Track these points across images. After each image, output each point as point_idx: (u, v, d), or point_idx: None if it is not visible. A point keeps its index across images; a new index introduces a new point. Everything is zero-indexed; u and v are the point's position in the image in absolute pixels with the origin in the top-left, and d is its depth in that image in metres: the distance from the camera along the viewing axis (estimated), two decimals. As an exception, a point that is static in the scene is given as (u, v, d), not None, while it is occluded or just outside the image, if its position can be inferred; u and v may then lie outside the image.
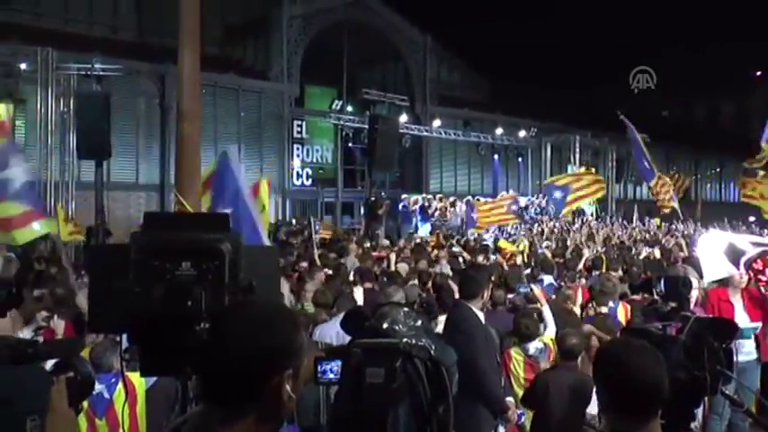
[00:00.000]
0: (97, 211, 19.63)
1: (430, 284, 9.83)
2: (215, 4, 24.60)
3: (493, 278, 7.52)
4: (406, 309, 2.04)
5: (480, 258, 13.06)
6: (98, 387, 4.43)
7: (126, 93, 23.10)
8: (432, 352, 1.82)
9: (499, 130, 33.96)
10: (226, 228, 2.30)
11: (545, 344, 6.30)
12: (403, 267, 11.28)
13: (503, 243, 15.41)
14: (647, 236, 20.03)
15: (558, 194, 19.33)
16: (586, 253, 12.97)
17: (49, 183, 18.89)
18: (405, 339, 1.82)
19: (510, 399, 5.74)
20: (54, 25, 24.32)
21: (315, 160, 30.08)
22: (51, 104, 18.87)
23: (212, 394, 1.73)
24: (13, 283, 2.41)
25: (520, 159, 35.95)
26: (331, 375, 1.85)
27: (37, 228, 7.95)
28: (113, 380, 4.68)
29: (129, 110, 23.62)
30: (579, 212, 27.00)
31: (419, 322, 1.98)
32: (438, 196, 29.77)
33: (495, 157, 34.85)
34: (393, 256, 12.85)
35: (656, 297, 4.00)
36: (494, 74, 35.18)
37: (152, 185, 24.74)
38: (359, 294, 8.45)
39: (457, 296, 6.33)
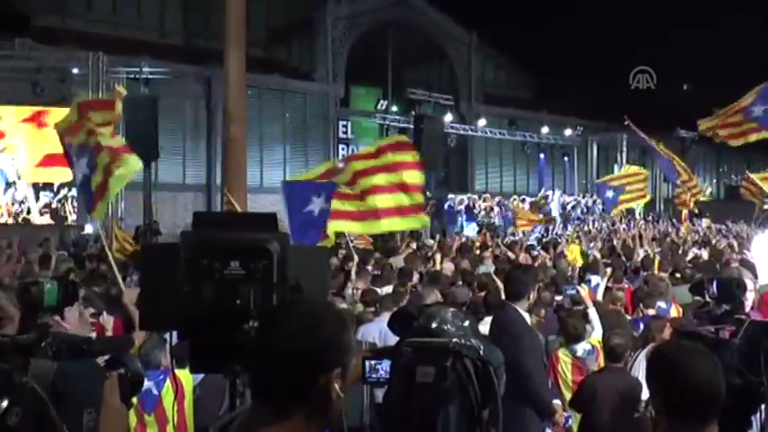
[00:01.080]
0: (145, 211, 19.99)
1: (475, 285, 9.77)
2: (260, 7, 24.89)
3: (540, 279, 7.44)
4: (453, 309, 2.04)
5: (524, 258, 12.93)
6: (147, 383, 4.51)
7: (173, 95, 23.47)
8: (481, 352, 1.80)
9: (545, 129, 33.63)
10: (274, 227, 2.31)
11: (593, 346, 6.21)
12: (449, 267, 11.24)
13: (572, 247, 15.16)
14: (697, 236, 19.64)
15: (610, 194, 19.03)
16: (642, 253, 12.70)
17: (100, 184, 19.26)
18: (454, 339, 1.81)
19: (557, 401, 5.67)
20: (104, 30, 24.90)
21: (361, 161, 30.12)
22: (102, 107, 19.23)
23: (262, 392, 1.75)
24: (69, 281, 2.46)
25: (566, 158, 35.55)
26: (379, 375, 1.84)
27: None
28: (162, 376, 4.76)
29: (176, 112, 24.03)
30: (627, 212, 26.58)
31: (467, 322, 1.97)
32: (483, 196, 29.60)
33: (541, 156, 34.53)
34: (438, 256, 12.80)
35: (707, 299, 3.90)
36: (540, 72, 34.82)
37: (198, 186, 25.11)
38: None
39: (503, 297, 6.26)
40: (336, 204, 8.08)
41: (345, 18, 28.65)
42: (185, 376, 4.63)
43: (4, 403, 1.55)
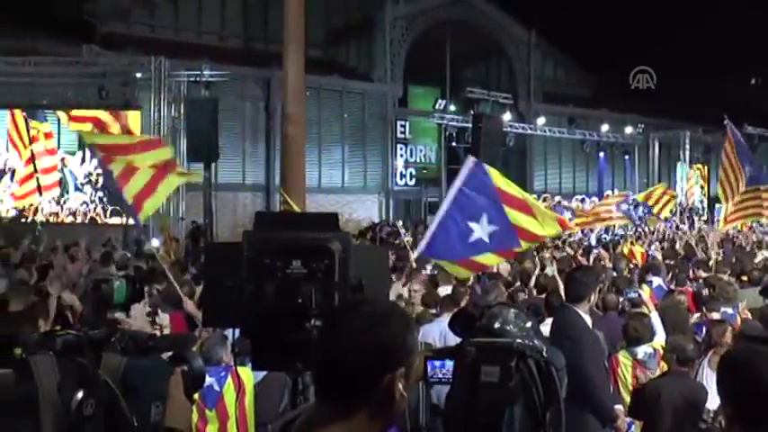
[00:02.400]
0: (205, 211, 20.36)
1: (532, 285, 9.68)
2: (318, 8, 25.11)
3: (602, 280, 7.29)
4: (515, 309, 2.02)
5: (583, 260, 12.73)
6: (209, 380, 4.60)
7: (233, 97, 23.88)
8: (544, 353, 1.79)
9: (605, 127, 33.01)
10: (335, 227, 2.33)
11: (654, 349, 6.06)
12: (505, 268, 11.14)
13: (637, 248, 14.89)
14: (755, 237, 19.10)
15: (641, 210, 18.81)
16: (713, 255, 12.35)
17: (162, 184, 19.70)
18: (518, 339, 1.80)
19: (619, 407, 5.53)
20: (166, 36, 25.58)
21: (418, 160, 30.16)
22: (164, 110, 19.70)
23: (326, 390, 1.76)
24: (137, 279, 2.52)
25: (626, 157, 34.80)
26: (441, 375, 1.84)
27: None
28: (223, 373, 4.83)
29: (235, 113, 24.43)
30: (692, 213, 25.96)
31: (529, 323, 1.96)
32: (543, 195, 29.27)
33: (601, 154, 33.91)
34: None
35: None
36: (599, 69, 34.19)
37: (258, 186, 25.48)
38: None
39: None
40: (489, 259, 7.25)
41: (404, 18, 28.70)
42: (246, 373, 4.71)
43: (80, 394, 1.60)
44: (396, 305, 2.06)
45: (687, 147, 33.37)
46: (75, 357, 1.67)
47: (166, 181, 7.54)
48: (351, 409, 1.71)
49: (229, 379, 4.76)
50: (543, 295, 8.20)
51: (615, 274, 10.62)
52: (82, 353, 1.69)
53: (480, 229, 7.00)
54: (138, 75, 20.26)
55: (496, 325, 1.88)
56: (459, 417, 1.76)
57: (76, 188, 20.80)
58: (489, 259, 7.35)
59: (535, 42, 32.45)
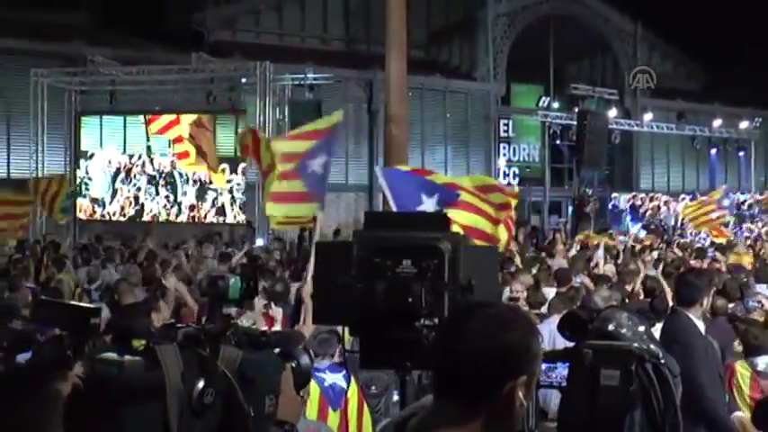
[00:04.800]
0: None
1: (639, 288, 9.37)
2: (420, 9, 25.22)
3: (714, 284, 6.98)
4: (627, 312, 1.98)
5: (697, 263, 12.21)
6: (331, 378, 4.63)
7: (336, 99, 24.22)
8: (661, 358, 1.74)
9: (717, 122, 31.55)
10: (445, 227, 2.34)
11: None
12: (609, 269, 10.87)
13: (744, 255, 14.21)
14: None
15: None
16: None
17: (267, 186, 20.22)
18: (635, 343, 1.75)
19: (739, 413, 5.23)
20: (271, 41, 26.30)
21: (521, 159, 29.79)
22: (268, 113, 20.19)
23: (444, 392, 1.74)
24: (251, 275, 2.61)
25: (741, 153, 33.11)
26: (554, 378, 1.81)
27: (300, 208, 8.03)
28: (344, 373, 4.81)
29: (339, 115, 24.75)
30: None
31: (642, 327, 1.91)
32: (651, 195, 28.34)
33: (713, 151, 32.42)
34: (601, 258, 12.37)
35: None
36: (710, 60, 32.68)
37: (361, 186, 25.79)
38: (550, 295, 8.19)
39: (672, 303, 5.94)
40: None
41: (506, 15, 28.44)
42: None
43: (201, 383, 1.67)
44: (519, 309, 2.03)
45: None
46: (195, 349, 1.74)
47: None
48: (468, 413, 1.68)
49: (353, 380, 4.76)
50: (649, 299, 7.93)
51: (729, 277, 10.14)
52: (201, 345, 1.77)
53: (429, 207, 7.06)
54: (244, 80, 20.89)
55: (610, 328, 1.84)
56: (577, 421, 1.73)
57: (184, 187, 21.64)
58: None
59: (641, 34, 31.40)
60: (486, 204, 7.29)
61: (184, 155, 20.52)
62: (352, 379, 4.74)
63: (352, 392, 4.74)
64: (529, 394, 1.71)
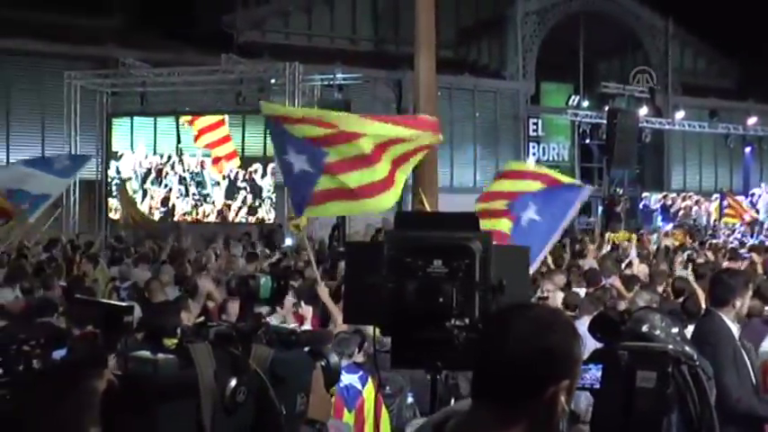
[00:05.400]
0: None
1: (669, 289, 9.24)
2: (448, 8, 25.16)
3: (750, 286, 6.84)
4: (660, 314, 1.95)
5: (728, 263, 11.98)
6: (348, 378, 4.65)
7: (365, 99, 24.27)
8: (696, 360, 1.71)
9: (752, 120, 31.02)
10: (476, 226, 2.34)
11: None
12: (643, 269, 10.75)
13: None
14: None
15: None
16: None
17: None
18: (670, 345, 1.73)
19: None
20: (300, 42, 26.42)
21: (551, 158, 29.57)
22: (298, 113, 20.26)
23: (484, 395, 1.70)
24: (281, 276, 2.62)
25: (777, 151, 32.62)
26: (587, 380, 1.79)
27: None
28: (361, 373, 4.84)
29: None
30: None
31: (675, 329, 1.89)
32: (682, 194, 27.98)
33: (747, 149, 31.90)
34: (635, 258, 12.23)
35: None
36: (745, 57, 32.12)
37: (390, 186, 25.74)
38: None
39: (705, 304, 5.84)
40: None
41: (535, 13, 28.27)
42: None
43: (234, 382, 1.68)
44: (561, 311, 1.98)
45: None
46: (227, 347, 1.75)
47: (348, 204, 6.84)
48: (508, 419, 1.64)
49: (370, 380, 4.76)
50: (680, 299, 7.82)
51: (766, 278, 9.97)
52: (233, 344, 1.78)
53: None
54: (273, 80, 21.02)
55: (644, 329, 1.82)
56: (612, 423, 1.70)
57: (213, 186, 21.84)
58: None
59: (673, 31, 31.00)
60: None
61: (232, 155, 20.78)
62: (369, 380, 4.73)
63: (368, 393, 4.74)
64: (570, 399, 1.66)
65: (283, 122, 6.98)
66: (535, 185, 7.31)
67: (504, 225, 6.88)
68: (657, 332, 1.82)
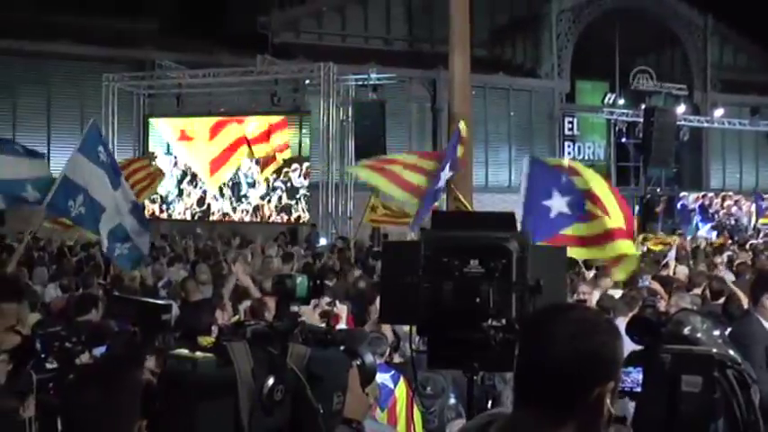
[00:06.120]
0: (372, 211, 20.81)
1: (707, 291, 9.07)
2: (482, 7, 25.04)
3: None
4: (701, 316, 1.91)
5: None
6: (381, 376, 4.65)
7: (399, 99, 24.33)
8: (741, 364, 1.67)
9: (795, 117, 30.43)
10: (513, 226, 2.32)
11: None
12: (682, 271, 10.57)
13: None
14: None
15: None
16: None
17: (330, 185, 20.40)
18: (713, 348, 1.69)
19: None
20: (334, 42, 26.50)
21: (586, 157, 29.25)
22: (332, 114, 20.35)
23: (529, 398, 1.67)
24: (318, 275, 2.63)
25: (821, 149, 31.88)
26: (626, 384, 1.75)
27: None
28: (394, 372, 4.85)
29: (402, 115, 24.89)
30: None
31: (717, 331, 1.84)
32: (721, 194, 27.50)
33: (789, 147, 31.31)
34: (673, 259, 12.03)
35: None
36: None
37: (424, 186, 25.74)
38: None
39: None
40: (579, 230, 7.00)
41: (570, 10, 28.04)
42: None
43: (271, 380, 1.69)
44: (603, 313, 1.94)
45: None
46: (264, 346, 1.76)
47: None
48: (554, 422, 1.62)
49: (402, 379, 4.77)
50: (719, 301, 7.67)
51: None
52: (270, 342, 1.79)
53: (557, 205, 6.89)
54: (308, 81, 21.11)
55: (685, 332, 1.77)
56: (655, 428, 1.66)
57: (249, 186, 22.02)
58: (578, 230, 7.06)
59: (712, 27, 30.48)
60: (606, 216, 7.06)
61: (285, 146, 20.97)
62: (401, 379, 4.72)
63: (400, 392, 4.74)
64: (614, 401, 1.63)
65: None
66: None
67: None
68: (699, 335, 1.77)
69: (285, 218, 21.47)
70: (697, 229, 24.43)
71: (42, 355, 2.70)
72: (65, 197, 7.46)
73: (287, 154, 21.35)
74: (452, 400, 5.03)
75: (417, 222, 8.37)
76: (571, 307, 1.85)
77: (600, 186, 7.34)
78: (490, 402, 2.90)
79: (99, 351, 3.12)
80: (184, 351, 1.68)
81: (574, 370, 1.60)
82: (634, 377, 1.77)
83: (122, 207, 7.80)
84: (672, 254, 12.05)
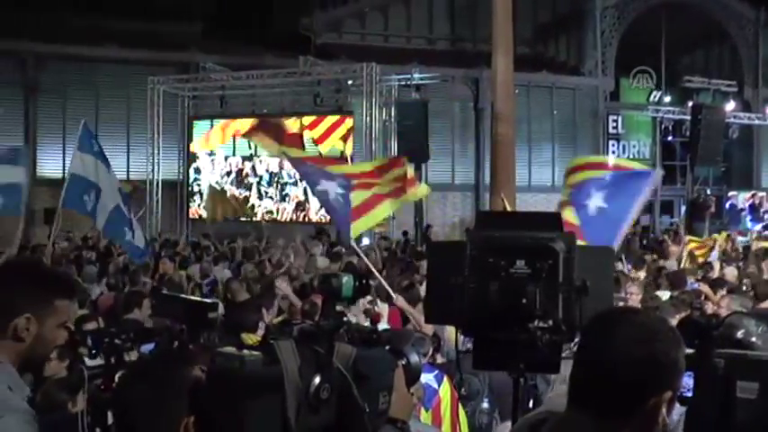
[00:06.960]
0: (416, 210, 20.85)
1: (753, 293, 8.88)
2: (525, 4, 24.88)
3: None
4: (755, 319, 1.87)
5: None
6: (425, 377, 4.65)
7: (442, 98, 24.28)
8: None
9: None
10: (558, 226, 2.30)
11: None
12: (731, 272, 10.36)
13: None
14: None
15: None
16: None
17: (375, 185, 20.45)
18: (769, 353, 1.65)
19: None
20: (376, 43, 26.59)
21: (631, 156, 28.77)
22: (375, 114, 20.39)
23: (583, 401, 1.64)
24: (364, 274, 2.65)
25: None
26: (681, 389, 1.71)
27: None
28: (438, 372, 4.85)
29: (444, 114, 24.84)
30: None
31: (771, 335, 1.80)
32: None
33: None
34: (716, 260, 11.80)
35: None
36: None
37: (467, 186, 25.69)
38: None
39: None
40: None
41: (614, 6, 27.64)
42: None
43: (317, 379, 1.70)
44: (665, 319, 1.89)
45: None
46: (311, 345, 1.77)
47: (385, 204, 7.57)
48: (612, 426, 1.59)
49: (445, 379, 4.76)
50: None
51: None
52: (316, 341, 1.80)
53: (597, 201, 6.77)
54: (350, 81, 21.18)
55: (739, 335, 1.73)
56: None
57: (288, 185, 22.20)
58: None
59: (764, 21, 29.72)
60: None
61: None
62: (445, 379, 4.71)
63: (444, 393, 4.72)
64: (671, 411, 1.60)
65: (307, 161, 8.01)
66: (598, 173, 7.21)
67: (568, 215, 6.82)
68: (753, 339, 1.73)
69: (327, 218, 21.56)
70: (748, 229, 23.95)
71: (93, 351, 2.76)
72: (78, 193, 8.02)
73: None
74: (486, 404, 5.02)
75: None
76: (634, 311, 1.82)
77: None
78: (531, 402, 2.88)
79: (147, 348, 3.18)
80: (232, 349, 1.70)
81: (631, 375, 1.57)
82: (685, 381, 1.73)
83: (115, 190, 8.43)
84: (714, 254, 11.81)
